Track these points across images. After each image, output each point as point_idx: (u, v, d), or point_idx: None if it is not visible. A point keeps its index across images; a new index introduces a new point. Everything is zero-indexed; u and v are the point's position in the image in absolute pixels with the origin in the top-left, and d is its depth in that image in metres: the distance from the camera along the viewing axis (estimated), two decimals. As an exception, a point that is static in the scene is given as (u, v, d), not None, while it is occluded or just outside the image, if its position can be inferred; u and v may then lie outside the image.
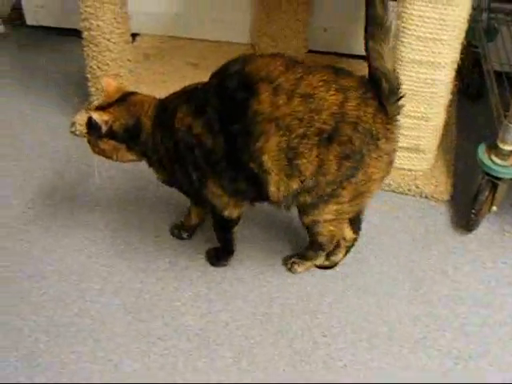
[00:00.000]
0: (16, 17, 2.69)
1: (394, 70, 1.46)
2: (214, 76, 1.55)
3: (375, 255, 1.84)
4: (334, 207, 1.56)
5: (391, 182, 2.00)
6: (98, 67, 2.12)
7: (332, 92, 1.44)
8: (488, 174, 1.81)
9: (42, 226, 1.89)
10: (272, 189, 1.54)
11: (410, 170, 2.02)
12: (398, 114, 1.50)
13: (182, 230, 1.86)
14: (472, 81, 2.34)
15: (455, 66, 1.84)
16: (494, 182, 1.80)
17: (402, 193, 2.02)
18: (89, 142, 1.64)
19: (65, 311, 1.67)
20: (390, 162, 1.53)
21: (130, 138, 1.60)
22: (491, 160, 1.80)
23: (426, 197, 2.00)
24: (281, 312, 1.68)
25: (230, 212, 1.65)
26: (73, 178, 2.05)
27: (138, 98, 1.63)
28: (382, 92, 1.46)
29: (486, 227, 1.91)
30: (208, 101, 1.51)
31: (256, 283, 1.75)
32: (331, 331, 1.64)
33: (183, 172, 1.59)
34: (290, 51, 2.43)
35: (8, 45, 2.68)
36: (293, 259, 1.79)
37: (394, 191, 2.02)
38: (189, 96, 1.57)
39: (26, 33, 2.73)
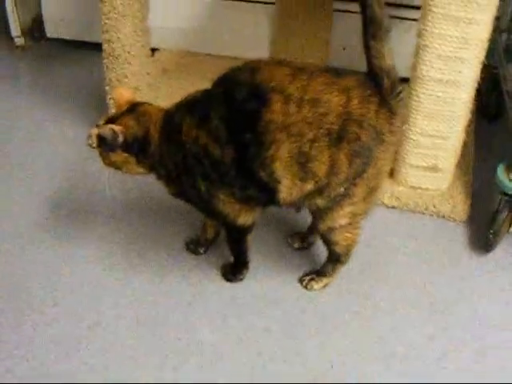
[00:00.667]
0: (36, 29, 2.71)
1: (394, 66, 1.49)
2: (218, 84, 1.54)
3: (392, 275, 1.82)
4: (349, 209, 1.56)
5: (409, 202, 1.99)
6: (118, 80, 2.12)
7: (335, 93, 1.46)
8: (507, 194, 1.79)
9: (56, 237, 1.89)
10: (283, 195, 1.55)
11: (427, 190, 2.00)
12: (401, 106, 1.53)
13: (197, 245, 1.85)
14: (490, 101, 2.32)
15: (475, 85, 1.82)
16: (513, 202, 1.79)
17: (419, 212, 2.00)
18: (100, 154, 1.63)
19: (77, 323, 1.65)
20: (395, 152, 1.59)
21: (139, 150, 1.59)
22: (510, 180, 1.78)
23: (444, 217, 1.98)
24: (295, 329, 1.66)
25: (244, 219, 1.63)
26: (88, 191, 2.05)
27: (146, 108, 1.63)
28: (383, 88, 1.49)
29: (504, 249, 1.88)
30: (212, 110, 1.50)
31: (271, 300, 1.73)
32: (346, 350, 1.62)
33: (192, 184, 1.58)
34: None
35: (28, 57, 2.70)
36: (310, 276, 1.77)
37: (411, 211, 2.00)
38: (191, 106, 1.57)
39: (45, 45, 2.74)
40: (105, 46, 2.06)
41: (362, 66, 2.44)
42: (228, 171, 1.52)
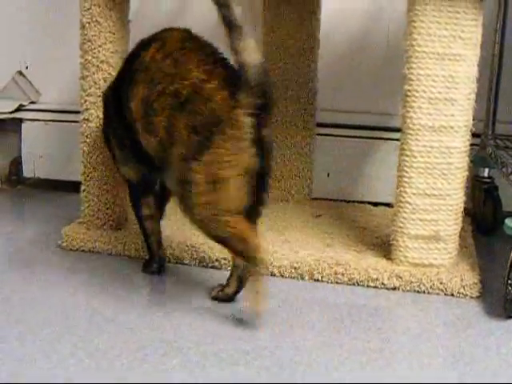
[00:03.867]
0: (13, 173, 2.64)
1: (255, 64, 1.45)
2: None
3: (401, 335, 1.58)
4: (201, 199, 1.53)
5: (412, 279, 1.77)
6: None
7: (201, 70, 1.52)
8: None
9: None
10: (143, 141, 1.63)
11: (430, 266, 1.80)
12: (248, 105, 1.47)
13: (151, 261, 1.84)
14: (486, 212, 2.21)
15: (469, 132, 1.75)
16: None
17: (424, 291, 1.77)
18: None
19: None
20: (240, 150, 1.49)
21: None
22: (522, 224, 1.63)
23: (452, 294, 1.75)
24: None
25: (125, 171, 1.80)
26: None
27: None
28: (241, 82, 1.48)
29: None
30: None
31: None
32: None
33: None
34: (292, 191, 2.37)
35: (2, 198, 2.58)
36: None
37: (415, 290, 1.77)
38: None
39: (22, 189, 2.65)
40: (83, 127, 1.98)
41: (348, 193, 2.41)
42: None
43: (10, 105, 2.57)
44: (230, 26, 1.44)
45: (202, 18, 2.43)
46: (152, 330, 1.51)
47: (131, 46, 2.03)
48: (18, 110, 2.58)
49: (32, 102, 2.61)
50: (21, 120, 2.59)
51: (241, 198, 1.50)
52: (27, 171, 2.63)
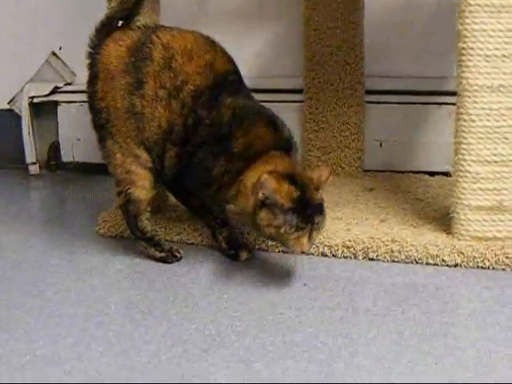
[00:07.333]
0: (52, 157, 2.57)
1: None
2: None
3: (466, 318, 1.45)
4: None
5: (475, 255, 1.63)
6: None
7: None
8: None
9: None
10: None
11: (494, 239, 1.65)
12: None
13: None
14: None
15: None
16: None
17: (488, 267, 1.62)
18: None
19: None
20: None
21: None
22: None
23: (520, 270, 1.61)
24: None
25: None
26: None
27: None
28: None
29: None
30: None
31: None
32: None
33: None
34: (343, 164, 2.25)
35: (42, 187, 2.52)
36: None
37: (478, 266, 1.63)
38: None
39: (60, 174, 2.58)
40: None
41: (403, 163, 2.27)
42: None
43: (45, 88, 2.50)
44: None
45: None
46: (192, 324, 1.41)
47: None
48: (53, 92, 2.50)
49: (67, 84, 2.53)
50: (56, 103, 2.52)
51: None
52: (66, 155, 2.57)
